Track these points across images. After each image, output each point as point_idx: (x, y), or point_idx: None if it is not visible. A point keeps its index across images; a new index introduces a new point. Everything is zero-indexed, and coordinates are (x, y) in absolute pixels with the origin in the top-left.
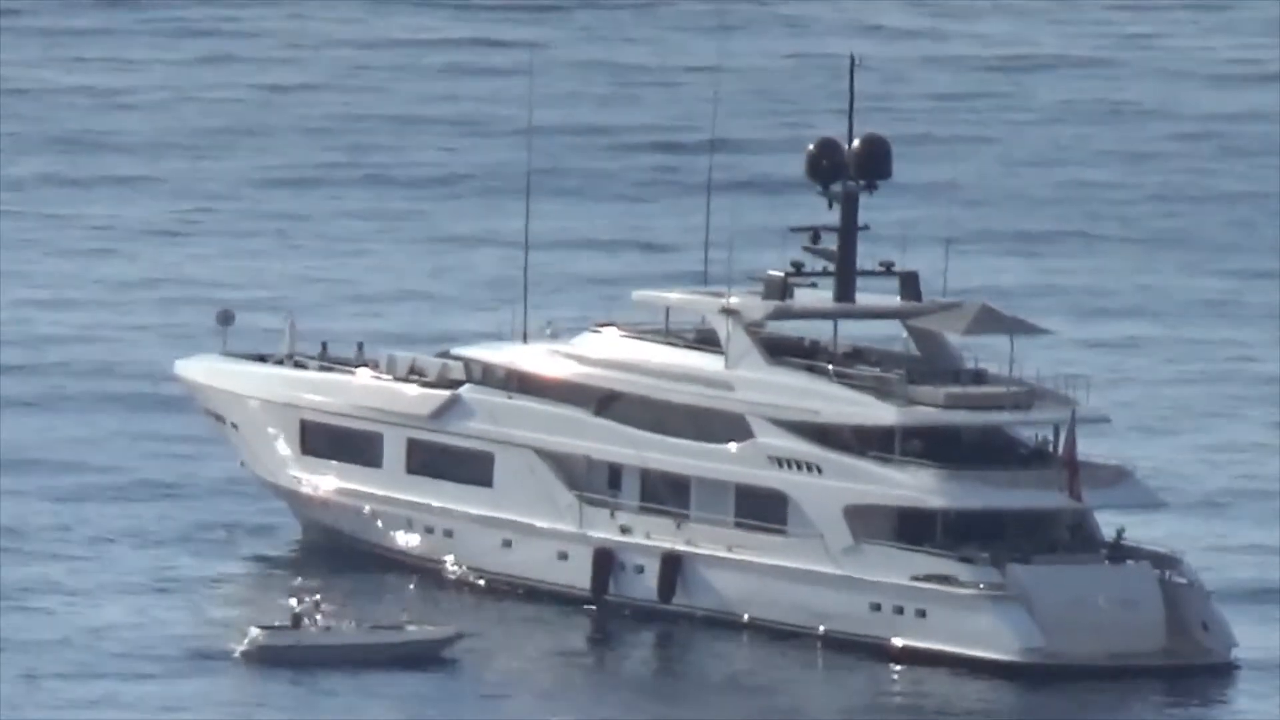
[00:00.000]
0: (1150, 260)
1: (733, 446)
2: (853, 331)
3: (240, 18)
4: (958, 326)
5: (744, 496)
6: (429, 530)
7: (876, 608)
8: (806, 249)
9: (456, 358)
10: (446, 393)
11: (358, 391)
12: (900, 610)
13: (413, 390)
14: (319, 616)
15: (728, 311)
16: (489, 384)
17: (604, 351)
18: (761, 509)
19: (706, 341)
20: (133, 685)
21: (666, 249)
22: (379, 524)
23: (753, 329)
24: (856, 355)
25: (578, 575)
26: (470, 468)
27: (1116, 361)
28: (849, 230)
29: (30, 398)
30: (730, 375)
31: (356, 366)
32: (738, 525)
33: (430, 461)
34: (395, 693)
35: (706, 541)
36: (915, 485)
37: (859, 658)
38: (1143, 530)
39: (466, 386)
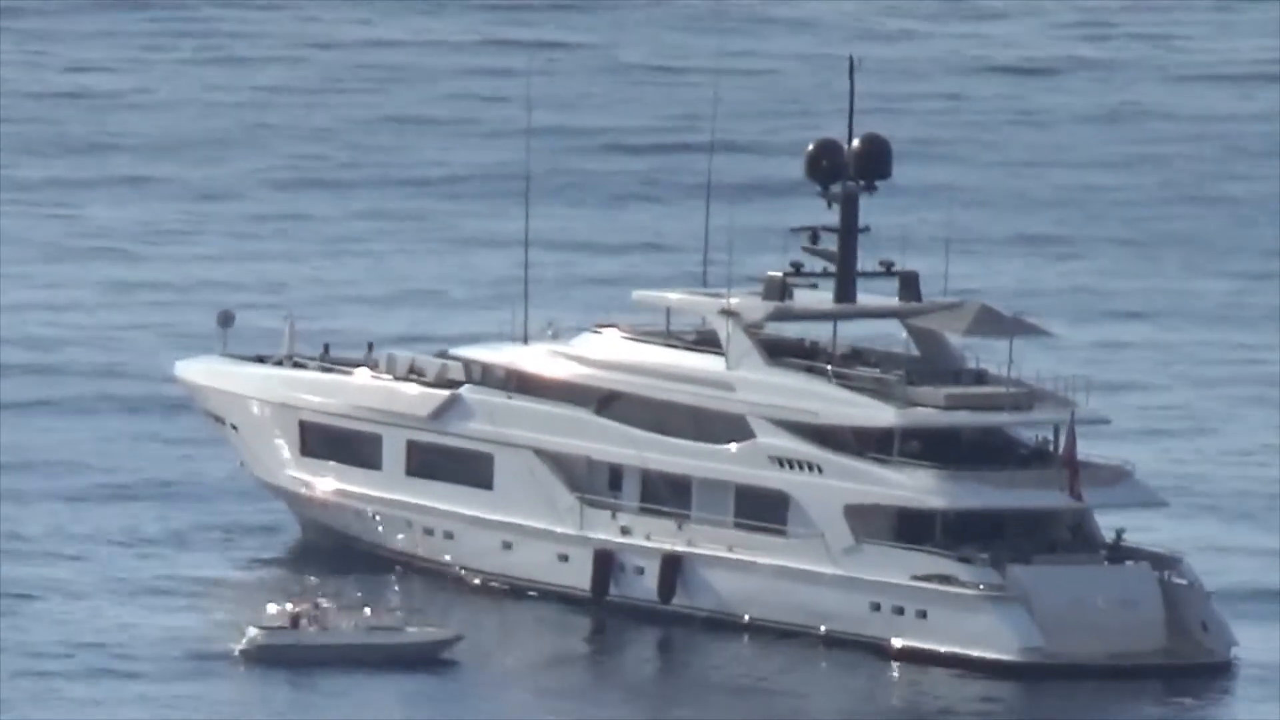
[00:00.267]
0: (1151, 262)
1: (733, 447)
2: (853, 332)
3: (241, 19)
4: (958, 327)
5: (744, 497)
6: (429, 531)
7: (876, 608)
8: (806, 249)
9: (456, 358)
10: (446, 393)
11: (357, 392)
12: (900, 610)
13: (412, 391)
14: (317, 616)
15: (728, 312)
16: (489, 384)
17: (604, 352)
18: (762, 509)
19: (707, 342)
20: (132, 685)
21: (667, 250)
22: (378, 525)
23: (752, 330)
24: (856, 356)
25: (578, 576)
26: (470, 469)
27: (1117, 363)
28: (849, 230)
29: (30, 399)
30: (730, 376)
31: (356, 367)
32: (738, 526)
33: (430, 462)
34: (395, 693)
35: (707, 542)
36: (915, 485)
37: (859, 658)
38: (1143, 532)
39: (466, 387)
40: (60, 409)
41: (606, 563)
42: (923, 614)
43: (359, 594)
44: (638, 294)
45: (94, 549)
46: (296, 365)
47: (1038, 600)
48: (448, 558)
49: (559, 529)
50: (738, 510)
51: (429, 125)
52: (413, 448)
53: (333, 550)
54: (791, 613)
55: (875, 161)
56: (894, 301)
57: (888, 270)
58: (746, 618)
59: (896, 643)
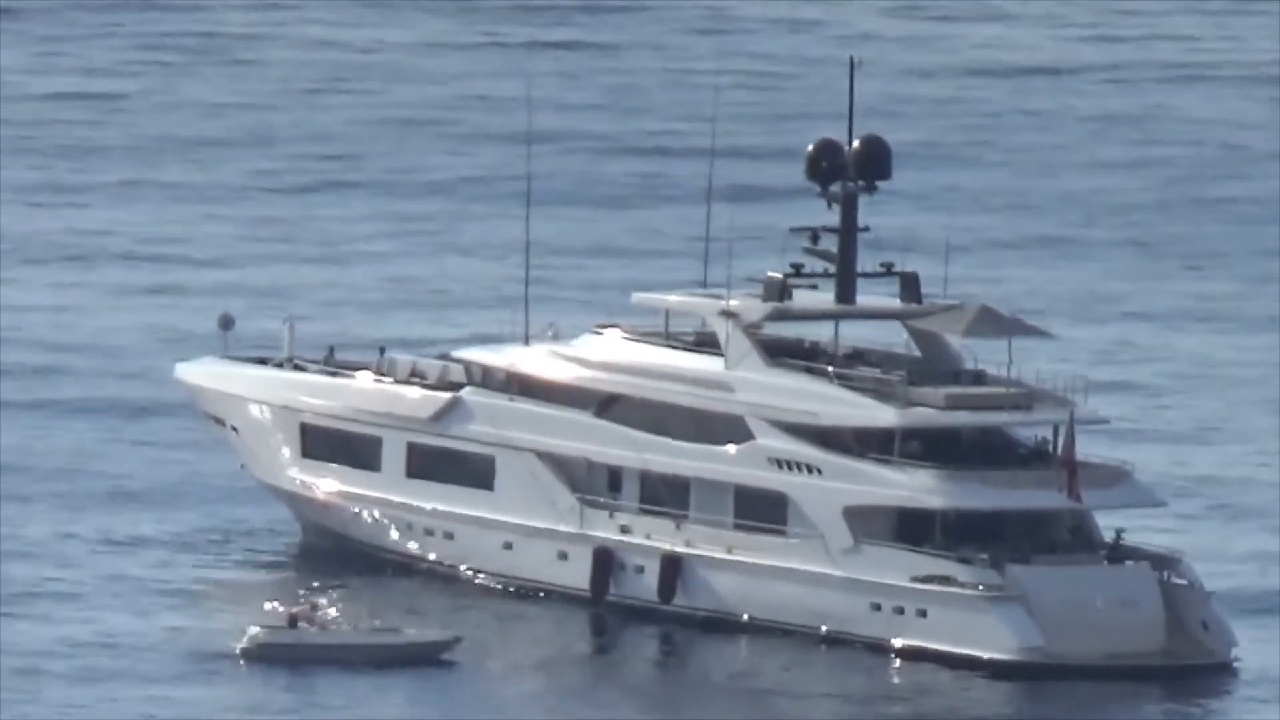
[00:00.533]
0: (1153, 264)
1: (732, 448)
2: (854, 333)
3: (243, 21)
4: (957, 328)
5: (744, 498)
6: (429, 533)
7: (876, 608)
8: (806, 250)
9: (456, 360)
10: (447, 395)
11: (357, 395)
12: (900, 611)
13: (413, 393)
14: (316, 616)
15: (727, 313)
16: (489, 386)
17: (604, 354)
18: (761, 510)
19: (706, 343)
20: (133, 685)
21: (667, 252)
22: (379, 527)
23: (752, 331)
24: (856, 356)
25: (578, 576)
26: (471, 471)
27: (1117, 364)
28: (849, 231)
29: (31, 401)
30: (730, 377)
31: (360, 370)
32: (737, 526)
33: (430, 465)
34: (395, 693)
35: (706, 543)
36: (915, 486)
37: (859, 658)
38: (1143, 534)
39: (467, 389)
40: (61, 410)
41: (606, 563)
42: (922, 614)
43: (358, 595)
44: (637, 295)
45: (94, 551)
46: (297, 367)
47: (1037, 600)
48: (448, 558)
49: (559, 529)
50: (737, 511)
51: (429, 127)
52: (413, 450)
53: (333, 552)
54: (791, 613)
55: (875, 162)
56: (894, 302)
57: (888, 271)
58: (746, 618)
59: (896, 643)
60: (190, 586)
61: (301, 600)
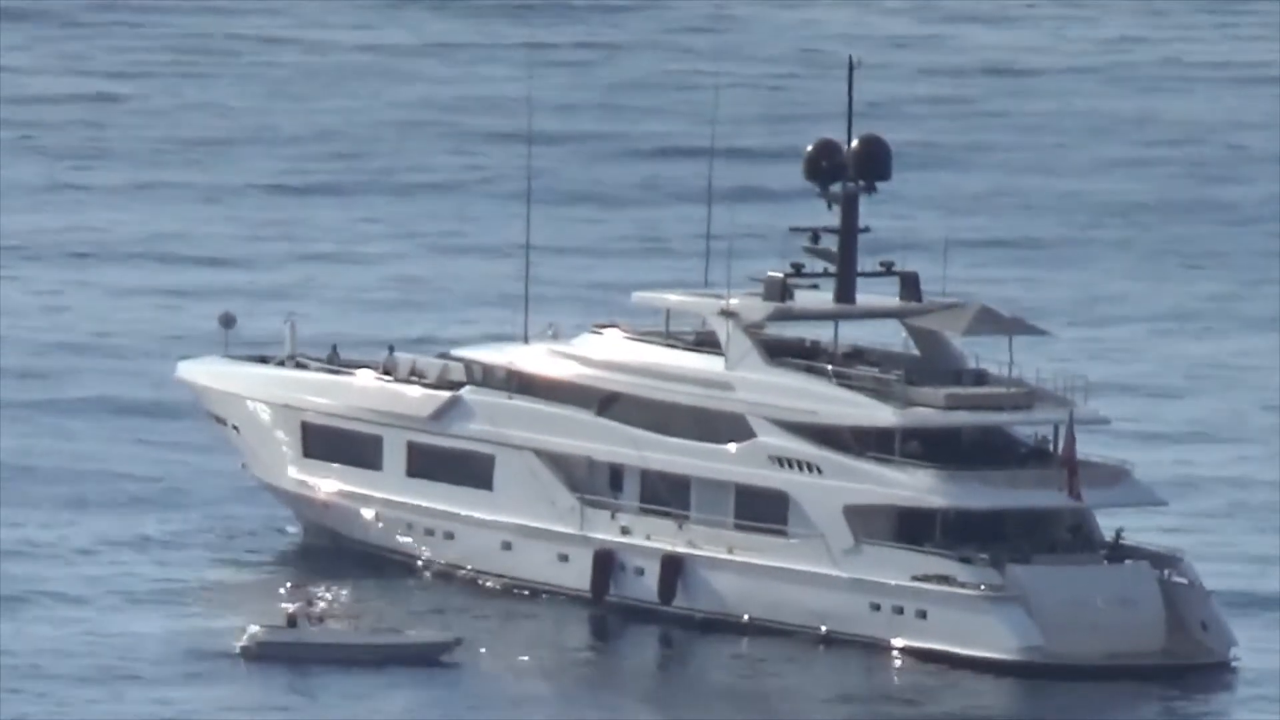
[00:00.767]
0: (1152, 265)
1: (733, 447)
2: (854, 333)
3: (244, 23)
4: (957, 327)
5: (744, 497)
6: (429, 532)
7: (876, 608)
8: (806, 250)
9: (456, 359)
10: (447, 394)
11: (358, 393)
12: (900, 610)
13: (413, 392)
14: (313, 612)
15: (727, 313)
16: (489, 385)
17: (604, 353)
18: (762, 510)
19: (707, 343)
20: (133, 685)
21: (668, 252)
22: (379, 526)
23: (752, 330)
24: (857, 356)
25: (578, 577)
26: (471, 469)
27: (1117, 364)
28: (849, 231)
29: (31, 401)
30: (730, 376)
31: (361, 369)
32: (738, 526)
33: (431, 464)
34: (395, 693)
35: (707, 543)
36: (915, 485)
37: (859, 658)
38: (1143, 534)
39: (467, 388)
40: (62, 410)
41: (607, 563)
42: (922, 614)
43: (359, 595)
44: (638, 295)
45: (95, 551)
46: (299, 366)
47: (1037, 600)
48: (448, 558)
49: (559, 529)
50: (738, 510)
51: (431, 127)
52: (413, 448)
53: (334, 551)
54: (791, 613)
55: (875, 162)
56: (894, 302)
57: (888, 270)
58: (746, 618)
59: (897, 643)
60: (191, 586)
61: (300, 599)
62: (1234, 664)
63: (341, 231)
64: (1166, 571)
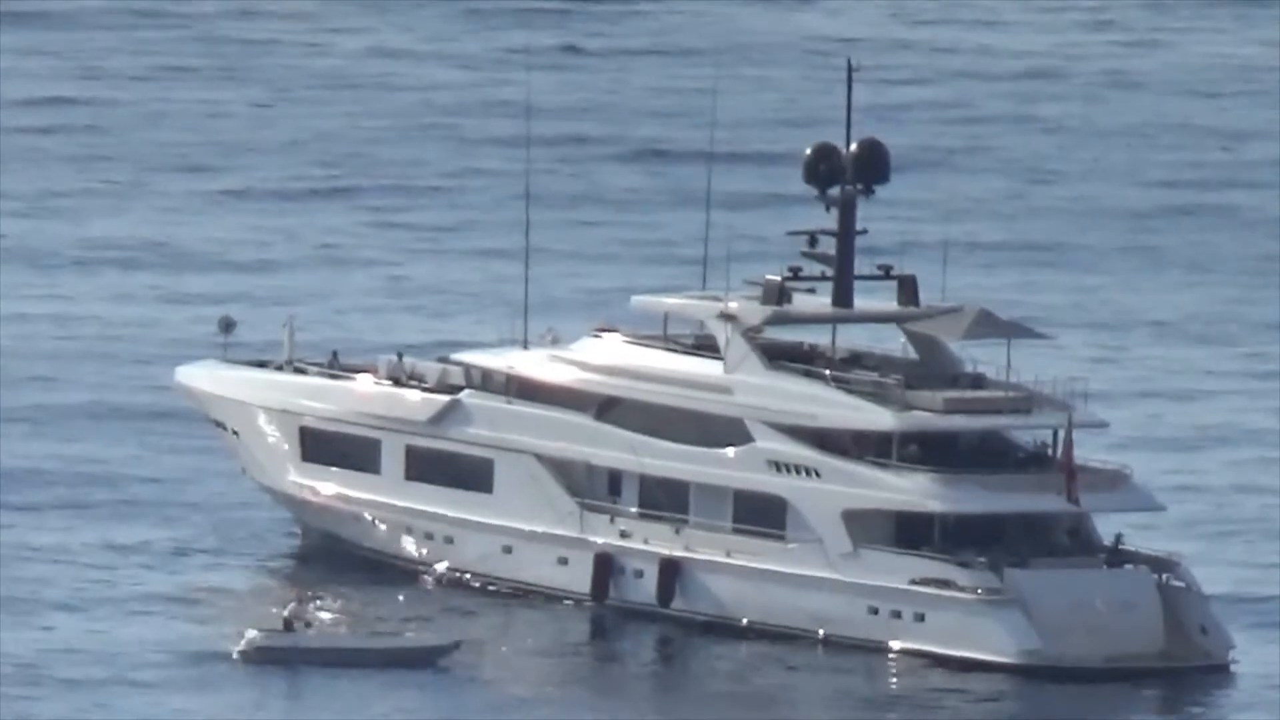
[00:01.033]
0: (1150, 269)
1: (731, 451)
2: (853, 336)
3: (245, 27)
4: (956, 331)
5: (742, 501)
6: (429, 536)
7: (875, 612)
8: (804, 253)
9: (456, 363)
10: (445, 398)
11: (357, 398)
12: (899, 614)
13: (412, 396)
14: (307, 613)
15: (726, 316)
16: (488, 389)
17: (603, 357)
18: (760, 514)
19: (705, 347)
20: (132, 692)
21: (666, 256)
22: (379, 530)
23: (751, 334)
24: (855, 360)
25: (578, 580)
26: (470, 474)
27: (1116, 368)
28: (847, 234)
29: (31, 405)
30: (728, 380)
31: (360, 374)
32: (736, 530)
33: (429, 468)
34: (394, 696)
35: (705, 546)
36: (913, 489)
37: (857, 662)
38: (1142, 538)
39: (466, 392)
40: (61, 415)
41: (606, 567)
42: (921, 618)
43: (358, 599)
44: (636, 299)
45: (94, 556)
46: (298, 370)
47: (1036, 604)
48: (447, 561)
49: (559, 533)
50: (736, 515)
51: (430, 131)
52: (412, 453)
53: (333, 555)
54: (790, 617)
55: (873, 166)
56: (892, 306)
57: (886, 274)
58: (745, 622)
59: (895, 646)
60: (190, 590)
61: (297, 603)
62: (1232, 667)
63: (340, 235)
64: (1165, 575)
